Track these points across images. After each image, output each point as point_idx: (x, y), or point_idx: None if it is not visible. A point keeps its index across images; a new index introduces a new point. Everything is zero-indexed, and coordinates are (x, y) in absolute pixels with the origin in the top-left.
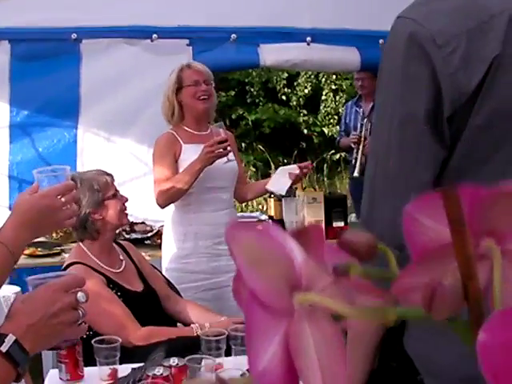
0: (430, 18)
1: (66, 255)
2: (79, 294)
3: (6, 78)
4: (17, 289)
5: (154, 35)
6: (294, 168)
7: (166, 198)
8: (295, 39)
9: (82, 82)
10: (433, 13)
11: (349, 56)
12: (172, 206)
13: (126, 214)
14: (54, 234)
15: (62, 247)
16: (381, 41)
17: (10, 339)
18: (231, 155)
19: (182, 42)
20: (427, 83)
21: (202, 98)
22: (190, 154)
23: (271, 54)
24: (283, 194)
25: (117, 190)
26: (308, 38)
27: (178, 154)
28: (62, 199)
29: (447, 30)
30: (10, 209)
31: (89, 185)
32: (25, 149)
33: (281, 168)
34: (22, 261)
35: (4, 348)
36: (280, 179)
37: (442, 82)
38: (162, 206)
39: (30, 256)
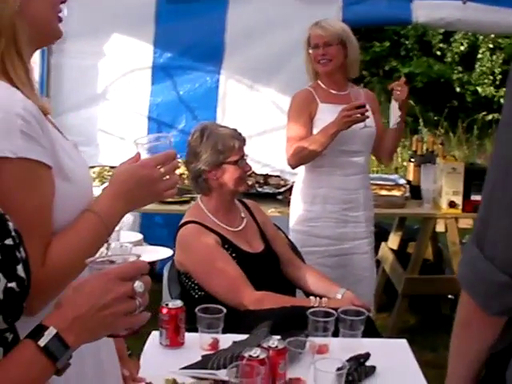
0: None
1: None
2: (137, 284)
3: (151, 20)
4: (139, 236)
5: None
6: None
7: (297, 159)
8: None
9: (228, 28)
10: None
11: (507, 18)
12: (304, 166)
13: (245, 182)
14: (185, 181)
15: (192, 195)
16: None
17: (50, 332)
18: (369, 121)
19: None
20: None
21: (321, 61)
22: (326, 113)
23: (424, 11)
24: (392, 122)
25: (243, 157)
26: None
27: (313, 113)
28: (162, 169)
29: None
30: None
31: (213, 143)
32: (166, 91)
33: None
34: (150, 206)
35: (42, 342)
36: (393, 112)
37: None
38: (293, 167)
39: (158, 201)
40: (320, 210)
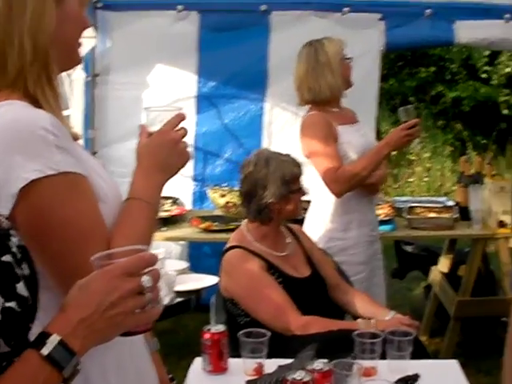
0: None
1: None
2: (144, 278)
3: (194, 49)
4: (184, 264)
5: (346, 8)
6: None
7: (347, 187)
8: (493, 16)
9: (271, 55)
10: None
11: None
12: (328, 194)
13: (301, 207)
14: (232, 209)
15: (238, 223)
16: None
17: (53, 340)
18: None
19: (374, 17)
20: None
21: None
22: (349, 135)
23: (467, 32)
24: None
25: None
26: (507, 15)
27: (336, 137)
28: (180, 132)
29: None
30: (194, 179)
31: (281, 174)
32: (211, 120)
33: None
34: (196, 235)
35: (45, 350)
36: None
37: None
38: (339, 196)
39: (205, 230)
40: (356, 235)
